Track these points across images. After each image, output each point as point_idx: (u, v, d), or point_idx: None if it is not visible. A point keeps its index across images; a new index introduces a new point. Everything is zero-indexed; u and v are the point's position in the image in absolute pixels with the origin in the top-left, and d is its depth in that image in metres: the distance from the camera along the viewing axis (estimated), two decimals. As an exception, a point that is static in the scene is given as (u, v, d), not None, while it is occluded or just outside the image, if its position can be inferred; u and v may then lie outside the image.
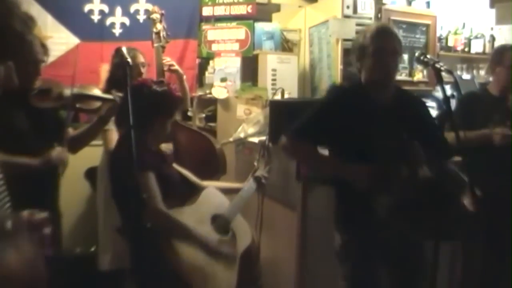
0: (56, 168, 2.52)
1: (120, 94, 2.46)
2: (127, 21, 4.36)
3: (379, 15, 4.44)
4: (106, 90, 2.79)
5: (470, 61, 5.57)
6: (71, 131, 2.60)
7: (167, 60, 3.39)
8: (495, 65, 3.25)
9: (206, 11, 4.49)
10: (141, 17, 4.33)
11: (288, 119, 2.97)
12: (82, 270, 3.46)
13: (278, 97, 3.71)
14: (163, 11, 3.41)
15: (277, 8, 4.96)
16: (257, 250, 2.97)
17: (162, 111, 2.43)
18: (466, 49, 5.50)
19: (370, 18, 4.37)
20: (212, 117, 4.33)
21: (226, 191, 2.75)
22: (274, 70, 4.34)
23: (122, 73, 2.30)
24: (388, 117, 2.26)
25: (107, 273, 3.29)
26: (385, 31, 2.35)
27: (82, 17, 4.21)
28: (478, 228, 2.59)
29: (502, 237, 3.04)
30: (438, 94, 4.29)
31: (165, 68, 3.39)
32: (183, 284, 2.26)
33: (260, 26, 4.50)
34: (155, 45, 3.33)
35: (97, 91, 2.65)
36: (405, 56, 4.51)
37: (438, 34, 5.04)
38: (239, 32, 4.37)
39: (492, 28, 5.44)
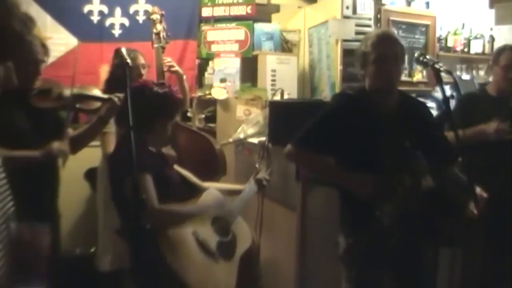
0: (56, 169, 2.52)
1: (120, 95, 2.46)
2: (126, 21, 4.36)
3: (379, 16, 4.44)
4: (106, 91, 2.79)
5: (469, 62, 5.58)
6: (70, 132, 2.60)
7: (167, 60, 3.39)
8: (493, 64, 3.27)
9: (206, 11, 4.49)
10: (141, 18, 4.33)
11: (288, 119, 2.97)
12: (82, 271, 3.46)
13: (277, 97, 3.71)
14: (163, 12, 3.41)
15: (276, 8, 4.95)
16: (257, 251, 2.98)
17: (163, 113, 2.43)
18: (466, 50, 5.51)
19: (370, 19, 4.37)
20: (211, 118, 4.33)
21: (227, 193, 2.75)
22: (273, 70, 4.34)
23: (121, 74, 2.30)
24: (392, 124, 2.26)
25: (107, 273, 3.29)
26: (386, 37, 2.34)
27: (82, 17, 4.21)
28: (481, 232, 2.61)
29: (502, 237, 3.04)
30: (438, 94, 4.30)
31: (165, 69, 3.39)
32: (183, 285, 2.26)
33: (260, 27, 4.50)
34: (155, 45, 3.33)
35: (97, 92, 2.65)
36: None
37: (437, 35, 5.04)
38: (239, 32, 4.37)
39: (491, 29, 5.45)
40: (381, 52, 2.29)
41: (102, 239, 3.37)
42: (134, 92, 2.07)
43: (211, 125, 4.30)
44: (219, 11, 4.46)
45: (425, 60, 2.26)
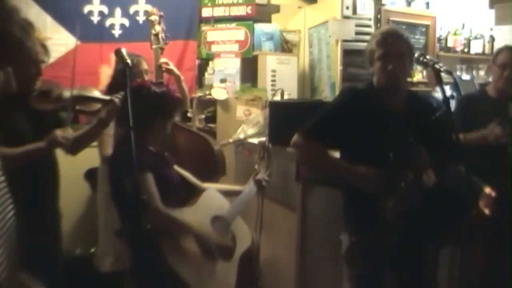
0: (56, 169, 2.52)
1: (120, 96, 2.46)
2: (126, 22, 4.36)
3: (379, 16, 4.44)
4: (108, 95, 2.78)
5: (469, 62, 5.58)
6: (71, 132, 2.60)
7: (164, 61, 3.38)
8: (492, 64, 3.29)
9: (206, 12, 4.49)
10: (141, 18, 4.33)
11: (288, 120, 2.97)
12: (82, 271, 3.46)
13: (277, 98, 3.71)
14: (161, 13, 3.41)
15: (276, 9, 4.95)
16: (257, 251, 2.98)
17: (161, 112, 2.43)
18: (466, 50, 5.51)
19: (370, 19, 4.37)
20: (211, 118, 4.33)
21: (227, 193, 2.75)
22: (273, 71, 4.34)
23: (122, 76, 2.30)
24: (398, 121, 2.26)
25: (107, 274, 3.29)
26: (391, 35, 2.34)
27: (82, 18, 4.21)
28: (485, 231, 2.61)
29: (502, 237, 3.04)
30: (438, 94, 4.30)
31: (163, 68, 3.38)
32: (182, 285, 2.26)
33: (260, 27, 4.50)
34: (154, 46, 3.33)
35: (96, 93, 2.64)
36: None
37: (437, 35, 5.04)
38: (239, 33, 4.37)
39: (491, 29, 5.45)
40: (385, 50, 2.30)
41: (103, 239, 3.37)
42: (132, 92, 2.08)
43: (211, 125, 4.30)
44: (219, 12, 4.46)
45: (425, 60, 2.26)
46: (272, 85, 4.27)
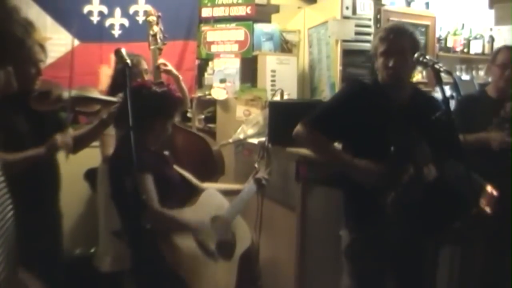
0: (56, 168, 2.52)
1: (120, 96, 2.46)
2: (126, 22, 4.36)
3: (378, 16, 4.44)
4: (109, 95, 2.79)
5: (469, 62, 5.58)
6: (71, 131, 2.60)
7: (162, 62, 3.38)
8: (491, 64, 3.28)
9: (205, 12, 4.49)
10: (140, 18, 4.33)
11: (288, 120, 2.97)
12: (82, 271, 3.47)
13: (277, 98, 3.71)
14: (159, 14, 3.41)
15: (276, 9, 4.95)
16: (257, 251, 2.98)
17: (162, 112, 2.43)
18: (465, 50, 5.52)
19: (369, 19, 4.37)
20: (211, 118, 4.33)
21: (226, 193, 2.75)
22: (273, 71, 4.34)
23: (121, 74, 2.30)
24: (402, 116, 2.26)
25: (107, 274, 3.29)
26: (393, 31, 2.34)
27: (81, 18, 4.21)
28: (486, 230, 2.61)
29: (502, 237, 3.05)
30: (438, 95, 4.29)
31: (161, 69, 3.38)
32: (182, 285, 2.26)
33: (259, 27, 4.50)
34: (152, 47, 3.33)
35: (96, 94, 2.65)
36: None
37: (437, 35, 5.05)
38: (238, 33, 4.37)
39: (491, 29, 5.45)
40: (387, 46, 2.31)
41: (103, 239, 3.37)
42: (132, 92, 2.07)
43: (211, 125, 4.30)
44: (218, 12, 4.47)
45: (425, 60, 2.25)
46: (272, 85, 4.27)
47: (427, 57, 2.26)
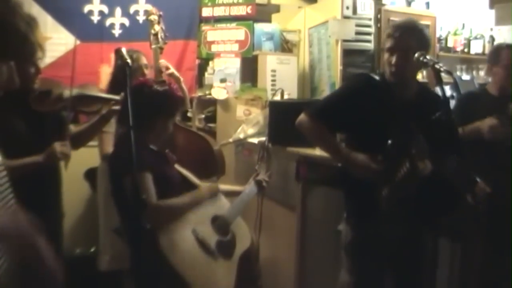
0: (57, 169, 2.52)
1: (119, 96, 2.46)
2: (126, 21, 4.36)
3: (379, 16, 4.44)
4: (110, 93, 2.79)
5: (469, 62, 5.57)
6: (72, 128, 2.60)
7: (164, 63, 3.38)
8: (492, 65, 3.25)
9: (206, 11, 4.50)
10: (141, 18, 4.33)
11: (288, 120, 2.97)
12: (82, 271, 3.46)
13: (277, 97, 3.71)
14: (161, 13, 3.41)
15: (276, 8, 4.96)
16: (257, 251, 2.98)
17: (163, 110, 2.43)
18: (466, 50, 5.51)
19: (370, 19, 4.38)
20: (211, 118, 4.33)
21: (227, 194, 2.75)
22: (273, 71, 4.35)
23: (122, 73, 2.30)
24: (406, 112, 2.26)
25: (106, 273, 3.29)
26: (400, 28, 2.34)
27: (82, 17, 4.21)
28: (481, 227, 2.61)
29: (502, 236, 3.05)
30: (438, 94, 4.30)
31: (163, 71, 3.38)
32: (182, 284, 2.26)
33: (260, 27, 4.51)
34: (153, 46, 3.33)
35: (97, 91, 2.64)
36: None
37: (437, 35, 5.04)
38: (239, 33, 4.38)
39: (491, 29, 5.44)
40: (392, 43, 2.31)
41: (102, 238, 3.37)
42: (134, 91, 2.08)
43: (211, 125, 4.30)
44: (219, 11, 4.47)
45: (425, 60, 2.25)
46: (272, 85, 4.27)
47: (428, 57, 2.25)
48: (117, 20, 4.35)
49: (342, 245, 2.45)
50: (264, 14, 4.74)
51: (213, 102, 4.28)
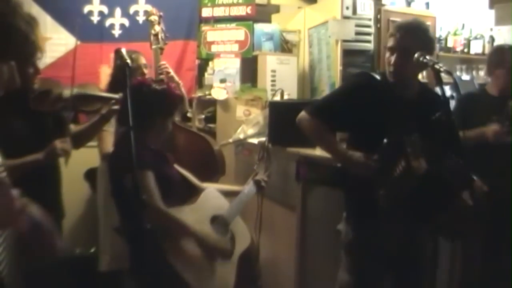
0: (57, 168, 2.52)
1: (119, 95, 2.46)
2: (126, 22, 4.36)
3: (379, 16, 4.45)
4: (109, 92, 2.79)
5: (469, 62, 5.58)
6: (72, 127, 2.60)
7: (164, 65, 3.38)
8: (494, 66, 3.23)
9: (206, 12, 4.50)
10: (141, 18, 4.33)
11: (288, 120, 2.97)
12: (82, 271, 3.46)
13: (277, 98, 3.71)
14: (161, 13, 3.42)
15: (276, 9, 4.96)
16: (256, 251, 2.98)
17: (162, 109, 2.43)
18: (466, 50, 5.51)
19: (370, 19, 4.38)
20: (211, 118, 4.33)
21: (226, 194, 2.75)
22: (273, 71, 4.35)
23: (121, 74, 2.29)
24: (407, 112, 2.26)
25: (106, 274, 3.29)
26: (401, 28, 2.34)
27: (82, 18, 4.21)
28: (481, 227, 2.60)
29: (502, 236, 3.05)
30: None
31: (162, 73, 3.38)
32: (182, 284, 2.26)
33: (260, 27, 4.51)
34: (153, 47, 3.33)
35: (97, 90, 2.64)
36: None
37: (437, 35, 5.04)
38: (239, 33, 4.38)
39: (491, 29, 5.44)
40: (392, 42, 2.32)
41: (102, 239, 3.37)
42: (132, 90, 2.08)
43: (211, 125, 4.30)
44: (219, 12, 4.47)
45: (425, 60, 2.25)
46: (272, 85, 4.27)
47: (427, 57, 2.25)
48: (117, 20, 4.35)
49: (342, 245, 2.45)
50: (264, 14, 4.75)
51: (213, 102, 4.28)
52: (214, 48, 4.44)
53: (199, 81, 4.57)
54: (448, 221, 2.21)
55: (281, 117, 3.21)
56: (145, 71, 3.29)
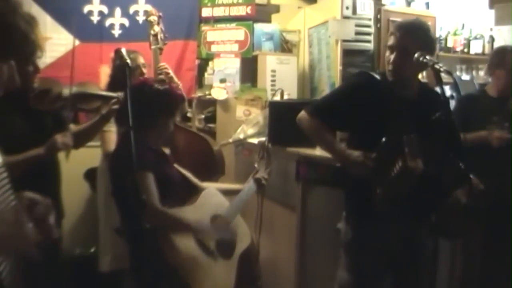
0: (57, 166, 2.52)
1: (119, 94, 2.45)
2: (126, 22, 4.36)
3: (379, 16, 4.45)
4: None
5: (469, 62, 5.58)
6: (72, 127, 2.60)
7: (164, 66, 3.38)
8: (494, 67, 3.23)
9: (206, 12, 4.50)
10: (141, 18, 4.33)
11: (288, 120, 2.98)
12: (82, 271, 3.47)
13: (277, 98, 3.71)
14: (160, 13, 3.41)
15: (276, 9, 4.96)
16: (256, 250, 2.98)
17: (164, 109, 2.43)
18: (466, 50, 5.51)
19: (370, 19, 4.38)
20: (211, 118, 4.33)
21: (226, 192, 2.75)
22: (273, 71, 4.35)
23: (121, 74, 2.29)
24: (407, 111, 2.26)
25: (106, 274, 3.29)
26: (401, 27, 2.34)
27: (82, 18, 4.21)
28: (479, 227, 2.60)
29: (502, 236, 3.05)
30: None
31: (162, 74, 3.37)
32: (182, 284, 2.26)
33: (260, 27, 4.51)
34: (152, 47, 3.33)
35: (97, 89, 2.64)
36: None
37: (437, 35, 5.04)
38: (239, 33, 4.38)
39: (491, 29, 5.44)
40: (391, 41, 2.32)
41: (102, 239, 3.37)
42: (134, 90, 2.08)
43: (211, 125, 4.30)
44: (219, 12, 4.47)
45: (424, 60, 2.24)
46: (272, 85, 4.28)
47: (427, 57, 2.25)
48: (117, 20, 4.35)
49: (341, 244, 2.45)
50: (263, 14, 4.75)
51: (213, 102, 4.28)
52: (214, 48, 4.44)
53: (199, 81, 4.57)
54: (443, 219, 2.21)
55: (281, 117, 3.21)
56: (144, 70, 3.29)
